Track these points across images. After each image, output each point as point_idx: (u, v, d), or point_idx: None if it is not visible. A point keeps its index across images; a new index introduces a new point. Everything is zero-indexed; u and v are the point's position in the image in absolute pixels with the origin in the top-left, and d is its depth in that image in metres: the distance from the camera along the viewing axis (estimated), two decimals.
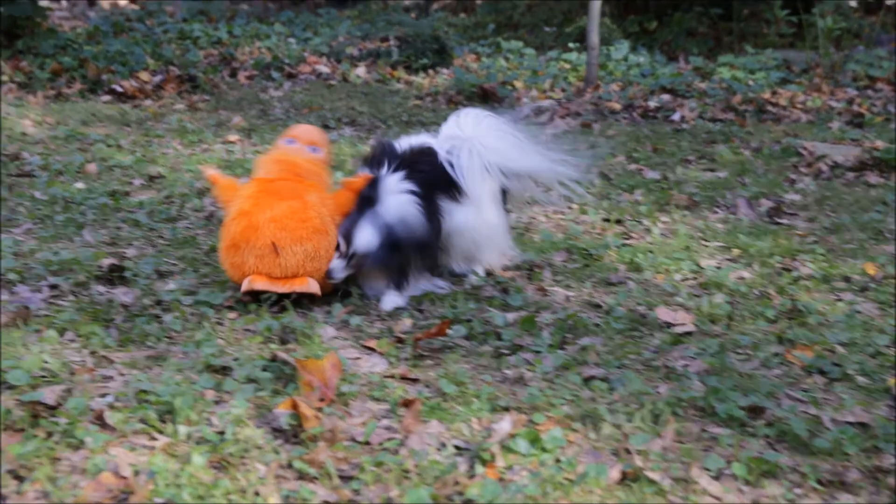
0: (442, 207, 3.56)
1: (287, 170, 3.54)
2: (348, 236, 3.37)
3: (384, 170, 3.50)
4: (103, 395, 2.58)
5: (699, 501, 2.22)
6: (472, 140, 3.66)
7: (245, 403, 2.55)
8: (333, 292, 3.47)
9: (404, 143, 3.70)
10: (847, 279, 3.91)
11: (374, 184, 3.42)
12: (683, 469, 2.32)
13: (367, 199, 3.40)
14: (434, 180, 3.54)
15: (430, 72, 10.17)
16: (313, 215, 3.38)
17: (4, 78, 8.26)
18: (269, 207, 3.38)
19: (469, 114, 3.80)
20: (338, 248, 3.38)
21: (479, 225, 3.66)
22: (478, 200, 3.65)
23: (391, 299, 3.44)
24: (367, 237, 3.35)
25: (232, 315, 3.27)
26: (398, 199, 3.41)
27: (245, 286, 3.31)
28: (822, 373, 2.97)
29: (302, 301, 3.38)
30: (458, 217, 3.60)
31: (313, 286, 3.33)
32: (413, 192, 3.43)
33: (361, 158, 3.76)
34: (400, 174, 3.47)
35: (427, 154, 3.61)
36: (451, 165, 3.60)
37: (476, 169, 3.64)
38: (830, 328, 3.34)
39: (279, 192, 3.45)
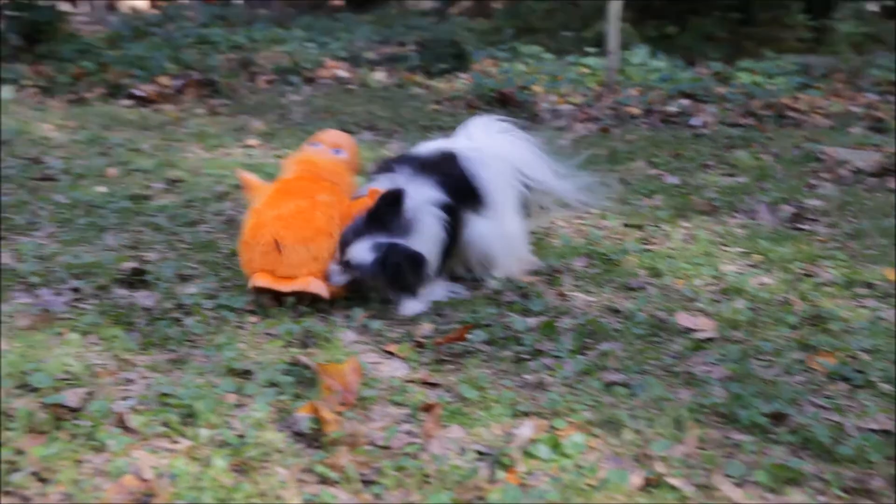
0: (463, 216, 3.55)
1: (306, 170, 3.58)
2: (344, 245, 3.37)
3: (404, 175, 3.48)
4: (125, 398, 2.59)
5: None
6: (488, 149, 3.66)
7: (266, 407, 2.56)
8: (346, 297, 3.47)
9: (423, 148, 3.70)
10: (869, 285, 3.88)
11: (396, 198, 3.36)
12: (705, 475, 2.31)
13: (380, 212, 3.35)
14: (455, 187, 3.54)
15: (449, 76, 10.17)
16: (319, 215, 3.39)
17: (26, 82, 8.31)
18: (277, 206, 3.42)
19: (479, 123, 3.79)
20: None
21: (498, 234, 3.65)
22: (498, 209, 3.64)
23: (411, 305, 3.43)
24: (360, 252, 3.32)
25: (253, 319, 3.28)
26: (422, 210, 3.40)
27: (250, 283, 3.35)
28: (845, 379, 2.95)
29: (322, 305, 3.38)
30: (479, 226, 3.59)
31: (315, 286, 3.33)
32: (439, 203, 3.42)
33: (375, 167, 3.76)
34: (424, 182, 3.45)
35: (449, 160, 3.60)
36: (473, 173, 3.59)
37: (497, 177, 3.63)
38: (853, 334, 3.32)
39: (292, 191, 3.50)
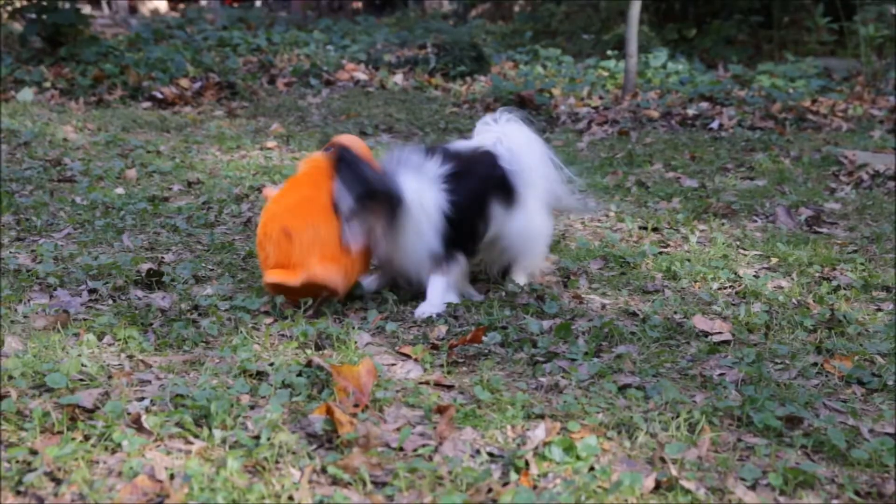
0: (493, 212, 3.57)
1: (312, 166, 3.62)
2: (340, 210, 3.38)
3: (431, 164, 3.49)
4: (140, 399, 2.60)
5: None
6: (521, 147, 3.67)
7: (280, 408, 2.56)
8: (358, 294, 3.50)
9: (461, 144, 3.73)
10: (887, 289, 3.86)
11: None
12: (719, 479, 2.30)
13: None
14: (490, 184, 3.56)
15: (468, 79, 10.17)
16: (324, 200, 3.41)
17: (47, 84, 8.37)
18: (282, 200, 3.48)
19: (493, 129, 3.79)
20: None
21: (528, 232, 3.66)
22: (529, 207, 3.64)
23: (426, 308, 3.44)
24: (342, 195, 3.36)
25: (268, 320, 3.29)
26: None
27: (263, 282, 3.40)
28: (860, 383, 2.93)
29: (337, 306, 3.39)
30: (509, 222, 3.60)
31: (323, 272, 3.34)
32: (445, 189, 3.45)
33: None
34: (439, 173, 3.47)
35: (485, 157, 3.60)
36: (507, 169, 3.59)
37: (531, 176, 3.64)
38: (870, 338, 3.30)
39: (296, 184, 3.56)
